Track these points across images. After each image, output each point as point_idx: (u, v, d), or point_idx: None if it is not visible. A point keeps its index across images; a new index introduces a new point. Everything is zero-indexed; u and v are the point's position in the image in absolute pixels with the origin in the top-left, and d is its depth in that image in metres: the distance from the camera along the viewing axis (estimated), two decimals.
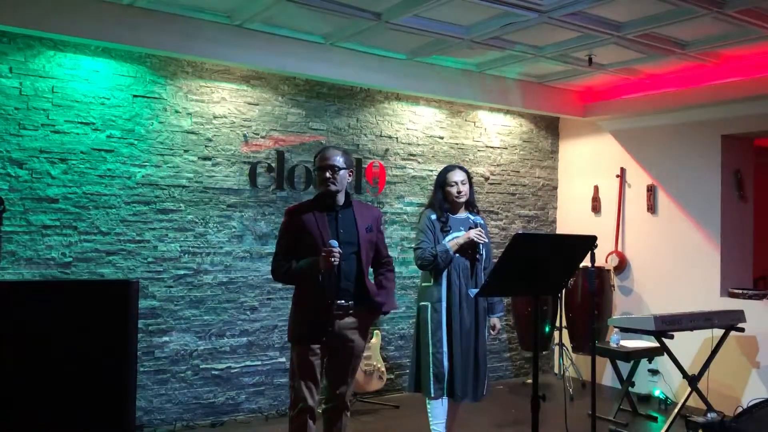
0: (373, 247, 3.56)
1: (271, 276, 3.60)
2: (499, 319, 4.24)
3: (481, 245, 4.09)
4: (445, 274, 4.03)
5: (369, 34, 4.86)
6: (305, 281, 3.40)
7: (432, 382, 3.99)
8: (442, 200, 4.14)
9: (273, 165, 5.33)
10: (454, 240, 4.03)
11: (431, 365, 3.99)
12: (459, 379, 3.98)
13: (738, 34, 4.68)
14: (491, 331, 4.22)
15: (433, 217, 4.10)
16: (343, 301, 3.41)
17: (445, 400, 4.07)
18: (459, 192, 4.10)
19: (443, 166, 6.15)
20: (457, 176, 4.12)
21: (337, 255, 3.28)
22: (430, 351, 4.01)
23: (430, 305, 4.05)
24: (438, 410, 4.09)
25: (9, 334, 2.62)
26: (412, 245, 4.22)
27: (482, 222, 4.24)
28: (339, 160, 3.43)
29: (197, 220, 5.03)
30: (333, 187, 3.41)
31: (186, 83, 4.98)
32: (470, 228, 4.09)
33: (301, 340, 3.42)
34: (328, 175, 3.39)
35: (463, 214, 4.17)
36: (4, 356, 2.58)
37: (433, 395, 4.01)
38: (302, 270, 3.36)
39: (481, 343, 4.10)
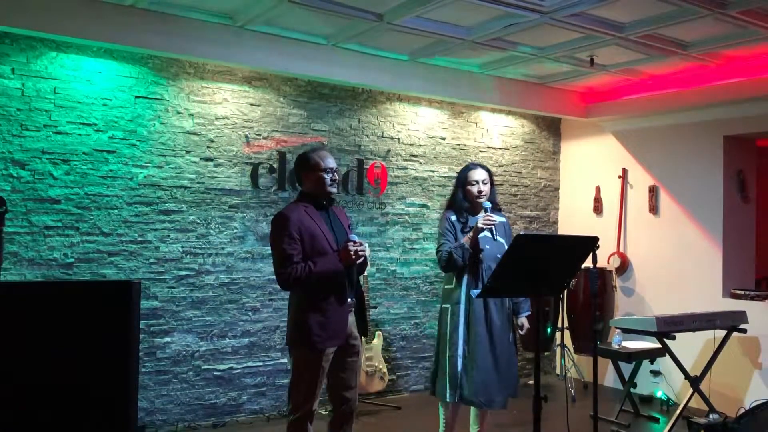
0: None
1: (280, 283, 3.31)
2: (527, 318, 4.17)
3: (494, 230, 3.90)
4: (466, 276, 3.95)
5: (371, 35, 4.86)
6: (326, 282, 3.30)
7: (447, 387, 3.91)
8: (462, 200, 4.05)
9: (275, 166, 5.33)
10: (467, 235, 3.95)
11: (447, 369, 3.92)
12: (481, 385, 3.86)
13: (740, 35, 4.68)
14: (519, 331, 4.15)
15: (453, 218, 4.03)
16: (351, 299, 3.43)
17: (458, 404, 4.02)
18: (480, 191, 4.00)
19: (445, 167, 6.23)
20: (479, 175, 4.02)
21: (362, 250, 3.32)
22: (447, 354, 3.94)
23: (450, 307, 3.98)
24: (450, 415, 4.05)
25: (10, 335, 2.62)
26: (436, 249, 4.11)
27: (505, 221, 4.15)
28: (334, 162, 3.49)
29: (199, 221, 5.04)
30: (335, 190, 3.46)
31: (188, 84, 4.99)
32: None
33: (318, 345, 3.27)
34: (334, 177, 3.43)
35: (483, 214, 4.02)
36: (5, 356, 2.59)
37: (447, 399, 3.94)
38: (328, 270, 3.26)
39: (510, 347, 4.00)
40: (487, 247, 3.97)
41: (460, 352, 3.91)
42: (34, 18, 4.17)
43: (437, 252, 4.04)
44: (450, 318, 3.97)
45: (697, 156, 5.92)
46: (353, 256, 3.30)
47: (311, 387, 3.31)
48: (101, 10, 4.32)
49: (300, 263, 3.24)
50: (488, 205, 3.98)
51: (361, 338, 3.57)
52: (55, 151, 4.52)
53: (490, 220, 3.85)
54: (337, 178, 3.47)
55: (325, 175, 3.40)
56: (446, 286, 4.08)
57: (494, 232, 3.93)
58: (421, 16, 4.50)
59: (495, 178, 6.52)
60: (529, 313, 4.20)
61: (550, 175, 7.04)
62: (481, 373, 3.87)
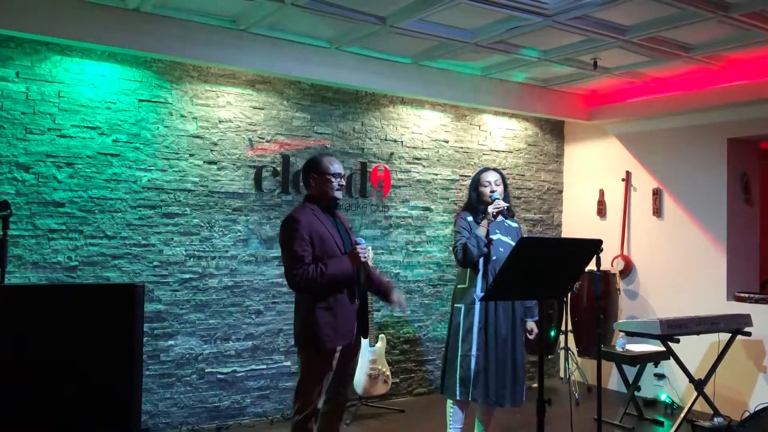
0: None
1: (291, 284, 3.39)
2: (536, 323, 4.21)
3: (505, 213, 4.05)
4: (480, 276, 4.02)
5: (374, 38, 4.87)
6: (337, 283, 3.40)
7: (458, 385, 3.98)
8: (476, 201, 4.15)
9: (278, 169, 5.34)
10: (481, 224, 4.02)
11: (458, 368, 3.99)
12: (493, 384, 3.96)
13: (743, 38, 4.67)
14: (528, 336, 4.20)
15: (469, 218, 4.10)
16: (357, 300, 3.53)
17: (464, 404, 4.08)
18: (492, 191, 4.08)
19: (448, 170, 6.23)
20: (491, 176, 4.13)
21: (367, 253, 3.47)
22: (459, 353, 4.00)
23: (463, 307, 4.04)
24: (458, 414, 4.10)
25: (14, 338, 2.63)
26: (452, 246, 4.18)
27: (518, 226, 4.26)
28: (342, 168, 3.61)
29: (203, 224, 5.04)
30: (341, 195, 3.58)
31: (191, 87, 5.00)
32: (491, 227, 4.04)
33: (328, 344, 3.37)
34: (341, 182, 3.55)
35: (498, 217, 4.11)
36: (9, 359, 2.59)
37: (458, 398, 4.01)
38: (339, 272, 3.37)
39: (519, 347, 4.07)
40: (501, 250, 4.04)
41: (474, 351, 3.96)
42: (39, 22, 4.18)
43: (453, 248, 4.09)
44: (464, 317, 4.02)
45: (700, 159, 5.92)
46: (361, 259, 3.44)
47: (319, 386, 3.40)
48: (105, 14, 4.33)
49: (312, 264, 3.34)
50: (497, 195, 4.07)
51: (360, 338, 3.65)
52: (59, 155, 4.54)
53: (499, 205, 3.98)
54: (344, 184, 3.57)
55: (333, 180, 3.51)
56: (459, 286, 4.13)
57: (505, 216, 4.09)
58: (424, 20, 4.51)
59: None
60: (538, 318, 4.22)
61: (554, 178, 7.04)
62: (493, 372, 3.95)
